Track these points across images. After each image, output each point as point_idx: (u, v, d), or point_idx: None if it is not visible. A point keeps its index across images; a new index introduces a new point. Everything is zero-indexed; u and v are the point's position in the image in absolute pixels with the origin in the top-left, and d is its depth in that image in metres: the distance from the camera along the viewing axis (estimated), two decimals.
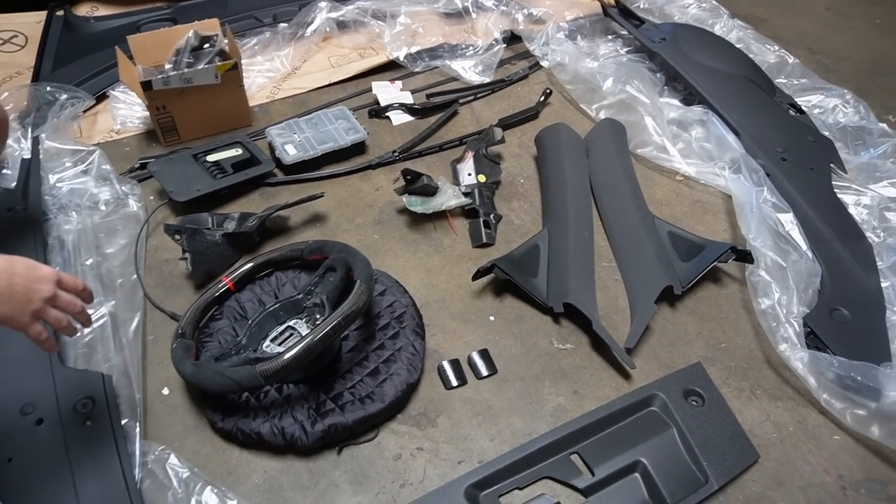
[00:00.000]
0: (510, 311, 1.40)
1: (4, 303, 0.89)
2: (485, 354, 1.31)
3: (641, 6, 2.40)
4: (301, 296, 1.28)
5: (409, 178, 1.51)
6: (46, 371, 1.19)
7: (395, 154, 1.75)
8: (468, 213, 1.60)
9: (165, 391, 1.25)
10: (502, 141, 1.72)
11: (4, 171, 1.61)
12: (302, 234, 1.56)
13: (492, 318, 1.38)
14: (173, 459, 1.12)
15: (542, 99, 1.95)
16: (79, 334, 1.22)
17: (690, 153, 1.75)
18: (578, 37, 2.20)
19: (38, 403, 1.15)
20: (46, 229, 1.49)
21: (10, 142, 1.65)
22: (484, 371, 1.28)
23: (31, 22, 2.19)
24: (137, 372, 1.24)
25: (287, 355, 1.07)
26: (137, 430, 1.15)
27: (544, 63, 2.11)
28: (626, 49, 2.18)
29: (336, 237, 1.53)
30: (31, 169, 1.57)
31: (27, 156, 1.63)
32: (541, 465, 1.13)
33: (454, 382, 1.26)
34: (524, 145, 1.82)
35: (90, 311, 1.04)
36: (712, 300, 1.43)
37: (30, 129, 1.72)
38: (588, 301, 1.36)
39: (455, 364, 1.29)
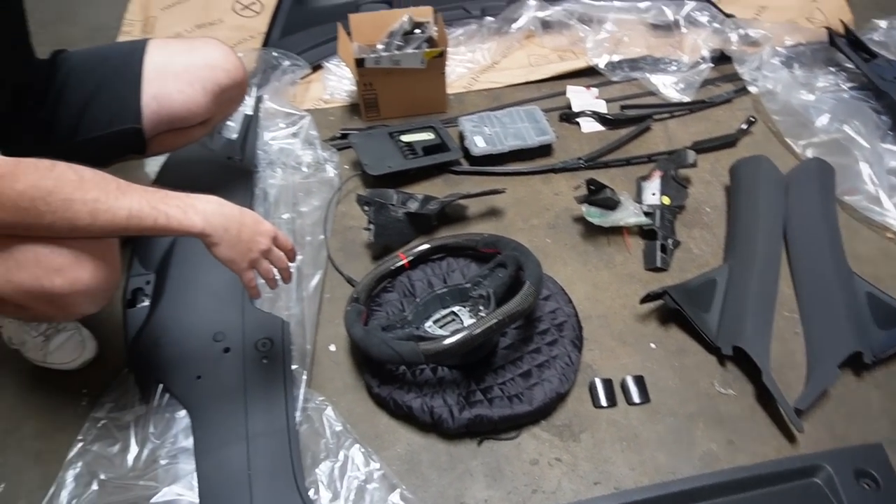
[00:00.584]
0: (673, 343, 1.35)
1: (232, 247, 1.01)
2: (640, 381, 1.27)
3: (875, 38, 2.17)
4: (469, 285, 1.32)
5: (592, 187, 1.50)
6: (238, 308, 1.33)
7: (580, 161, 1.74)
8: (645, 233, 1.55)
9: (332, 347, 1.35)
10: (694, 165, 1.65)
11: (230, 122, 1.80)
12: (477, 225, 1.60)
13: (653, 345, 1.35)
14: (330, 411, 1.21)
15: (743, 126, 1.84)
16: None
17: None
18: (795, 65, 2.04)
19: (227, 334, 1.29)
20: (255, 180, 1.65)
21: None
22: (636, 398, 1.25)
23: None
24: (312, 325, 1.36)
25: (449, 340, 1.11)
26: (304, 377, 1.26)
27: (752, 89, 1.99)
28: (849, 84, 1.99)
29: (509, 234, 1.55)
30: (251, 125, 1.75)
31: (250, 112, 1.81)
32: None
33: (604, 402, 1.24)
34: (716, 172, 1.73)
35: (291, 268, 1.15)
36: None
37: (254, 89, 1.91)
38: (761, 349, 1.28)
39: (607, 384, 1.27)
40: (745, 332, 1.29)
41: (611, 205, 1.51)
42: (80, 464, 1.15)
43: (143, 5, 2.35)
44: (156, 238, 1.44)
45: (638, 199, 1.62)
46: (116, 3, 2.38)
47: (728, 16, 2.17)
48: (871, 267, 1.49)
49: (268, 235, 1.04)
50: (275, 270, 1.08)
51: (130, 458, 1.16)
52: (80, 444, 1.17)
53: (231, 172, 1.63)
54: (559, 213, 1.62)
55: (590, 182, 1.48)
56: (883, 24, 2.17)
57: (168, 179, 1.62)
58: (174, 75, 1.29)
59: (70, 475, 1.14)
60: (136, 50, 1.30)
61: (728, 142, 1.82)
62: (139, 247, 1.46)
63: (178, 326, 1.31)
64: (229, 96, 1.38)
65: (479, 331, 1.12)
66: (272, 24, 2.23)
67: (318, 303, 1.40)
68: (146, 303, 1.37)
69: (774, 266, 1.46)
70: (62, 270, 0.94)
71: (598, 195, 1.50)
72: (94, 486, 1.12)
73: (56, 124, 1.27)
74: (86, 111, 1.27)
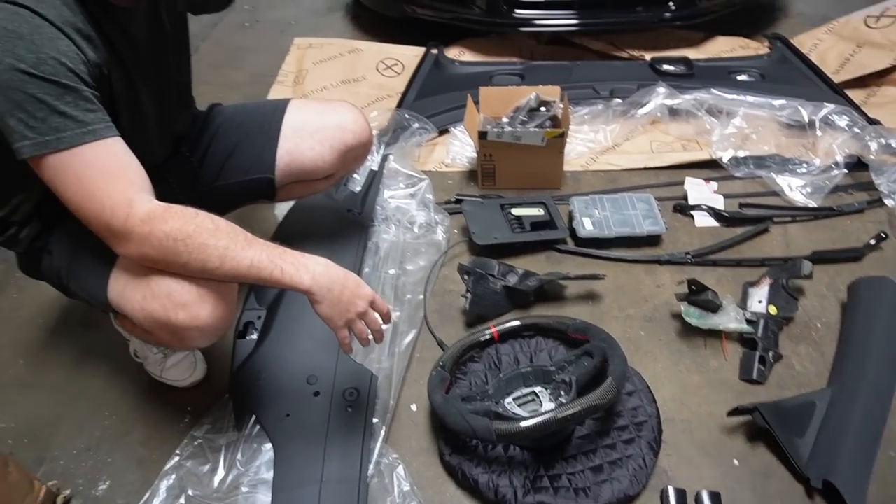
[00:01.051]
0: (758, 463, 1.29)
1: (332, 306, 1.10)
2: (716, 498, 1.22)
3: None
4: (553, 368, 1.34)
5: (693, 288, 1.48)
6: (333, 356, 1.42)
7: (688, 256, 1.72)
8: (746, 341, 1.50)
9: (413, 407, 1.41)
10: (809, 276, 1.58)
11: (356, 175, 1.94)
12: (573, 307, 1.62)
13: (736, 461, 1.29)
14: (401, 470, 1.26)
15: (872, 242, 1.74)
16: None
17: None
18: None
19: (320, 378, 1.39)
20: (369, 234, 1.77)
21: None
22: None
23: (411, 55, 2.60)
24: (398, 382, 1.43)
25: (523, 424, 1.13)
26: (383, 432, 1.32)
27: (888, 202, 1.88)
28: None
29: (604, 321, 1.56)
30: (374, 181, 1.88)
31: (375, 168, 1.95)
32: None
33: None
34: (834, 287, 1.65)
35: (385, 328, 1.22)
36: None
37: (383, 147, 2.05)
38: (856, 489, 1.19)
39: (681, 494, 1.23)
40: (840, 466, 1.21)
41: (711, 307, 1.48)
42: (173, 476, 1.27)
43: (299, 59, 2.60)
44: None
45: (743, 304, 1.58)
46: (277, 55, 2.66)
47: (873, 122, 2.08)
48: None
49: (366, 299, 1.13)
50: (368, 331, 1.16)
51: (217, 479, 1.26)
52: (176, 458, 1.30)
53: (349, 224, 1.75)
54: (658, 307, 1.61)
55: (691, 282, 1.47)
56: None
57: (293, 223, 1.77)
58: (308, 134, 1.44)
59: (163, 486, 1.26)
60: (279, 109, 1.47)
61: (852, 256, 1.72)
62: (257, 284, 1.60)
63: (277, 364, 1.42)
64: (354, 155, 1.51)
65: (554, 419, 1.13)
66: (409, 86, 2.40)
67: (407, 361, 1.47)
68: (254, 336, 1.49)
69: (885, 399, 1.36)
70: (186, 306, 1.07)
71: (698, 296, 1.47)
72: (182, 501, 1.23)
73: (202, 170, 1.45)
74: (229, 160, 1.44)
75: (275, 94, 2.46)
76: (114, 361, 1.52)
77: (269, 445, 1.30)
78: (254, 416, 1.34)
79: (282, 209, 1.82)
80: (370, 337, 1.17)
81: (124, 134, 1.04)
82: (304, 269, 1.07)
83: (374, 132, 2.08)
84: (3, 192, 1.19)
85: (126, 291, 1.12)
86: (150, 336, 1.19)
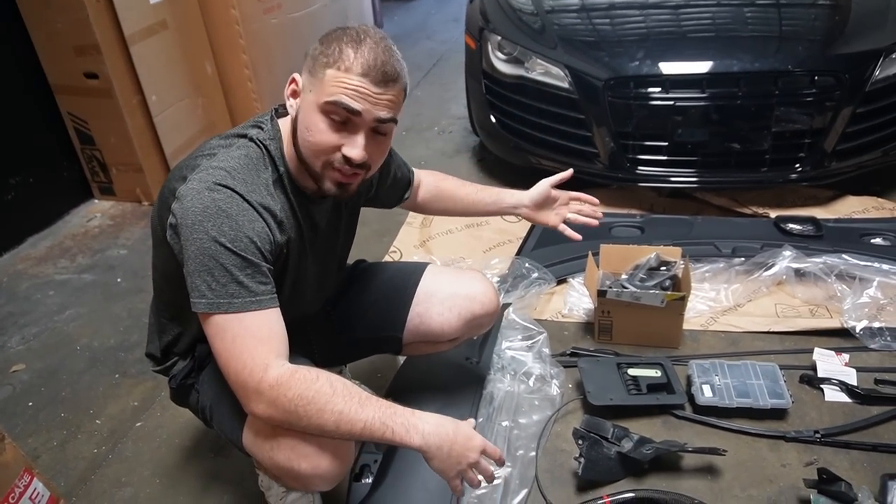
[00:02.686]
0: None
1: (443, 461, 1.16)
2: None
3: None
4: None
5: (825, 476, 1.40)
6: None
7: (817, 435, 1.64)
8: None
9: None
10: None
11: None
12: (690, 480, 1.57)
13: None
14: None
15: None
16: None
17: None
18: None
19: None
20: (485, 383, 1.82)
21: None
22: None
23: None
24: None
25: None
26: None
27: None
28: None
29: (723, 500, 1.50)
30: (492, 331, 1.96)
31: None
32: None
33: None
34: None
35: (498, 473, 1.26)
36: None
37: (502, 294, 2.14)
38: None
39: None
40: None
41: (844, 500, 1.39)
42: None
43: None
44: None
45: (882, 497, 1.46)
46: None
47: None
48: None
49: (477, 450, 1.17)
50: (480, 478, 1.20)
51: None
52: None
53: (466, 373, 1.82)
54: (783, 490, 1.53)
55: (822, 471, 1.39)
56: None
57: (412, 369, 1.86)
58: (438, 301, 1.55)
59: None
60: (416, 272, 1.59)
61: None
62: None
63: None
64: (479, 322, 1.60)
65: None
66: (530, 233, 2.51)
67: None
68: (369, 479, 1.55)
69: None
70: (308, 457, 1.16)
71: (830, 486, 1.39)
72: None
73: (338, 322, 1.58)
74: (364, 316, 1.57)
75: (404, 234, 2.65)
76: (238, 489, 1.63)
77: None
78: None
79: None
80: (483, 483, 1.21)
81: (283, 296, 1.19)
82: (415, 429, 1.14)
83: (495, 279, 2.20)
84: (171, 322, 1.37)
85: (257, 440, 1.23)
86: (277, 480, 1.29)
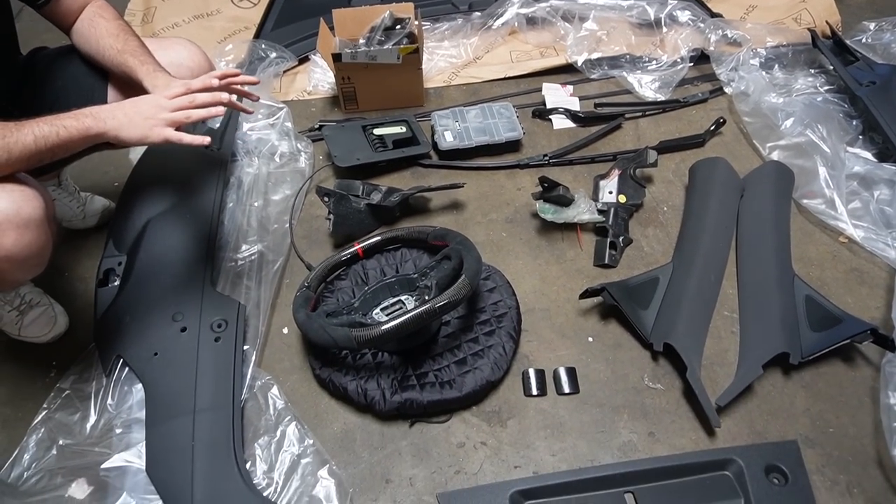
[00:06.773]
0: (610, 337, 1.40)
1: (134, 126, 1.09)
2: (571, 373, 1.33)
3: (863, 41, 2.16)
4: (416, 275, 1.39)
5: (545, 185, 1.54)
6: (198, 290, 1.41)
7: (546, 158, 1.79)
8: (599, 230, 1.60)
9: (285, 330, 1.43)
10: (654, 165, 1.68)
11: None
12: (438, 217, 1.66)
13: (590, 339, 1.40)
14: (275, 390, 1.29)
15: (711, 128, 1.86)
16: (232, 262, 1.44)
17: (864, 215, 1.59)
18: (776, 66, 2.05)
19: (186, 314, 1.38)
20: (231, 169, 1.73)
21: None
22: (566, 388, 1.31)
23: None
24: (267, 308, 1.44)
25: (381, 327, 1.18)
26: (254, 357, 1.34)
27: (728, 89, 2.00)
28: (826, 87, 1.99)
29: (468, 228, 1.62)
30: (231, 116, 1.83)
31: None
32: (592, 494, 1.14)
33: (534, 391, 1.30)
34: (679, 172, 1.76)
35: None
36: (835, 380, 1.31)
37: None
38: (692, 347, 1.32)
39: (540, 374, 1.33)
40: (678, 329, 1.33)
41: (564, 202, 1.56)
42: (42, 430, 1.25)
43: None
44: (129, 221, 1.53)
45: (595, 196, 1.66)
46: None
47: (715, 15, 2.19)
48: (818, 270, 1.52)
49: (166, 108, 1.11)
50: (205, 111, 1.15)
51: (88, 426, 1.26)
52: (44, 412, 1.28)
53: (208, 161, 1.70)
54: (518, 209, 1.68)
55: (542, 179, 1.53)
56: (872, 25, 2.15)
57: (148, 165, 1.70)
58: None
59: (33, 440, 1.24)
60: None
61: (696, 142, 1.84)
62: (114, 230, 1.55)
63: (141, 306, 1.39)
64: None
65: (407, 319, 1.18)
66: (266, 16, 2.31)
67: (275, 287, 1.49)
68: (116, 282, 1.46)
69: (718, 266, 1.49)
70: None
71: (550, 192, 1.54)
72: (54, 451, 1.22)
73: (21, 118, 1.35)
74: (55, 106, 1.35)
75: None
76: None
77: (139, 386, 1.29)
78: (121, 360, 1.33)
79: (136, 153, 1.75)
80: (223, 98, 1.16)
81: None
82: (83, 115, 1.08)
83: (231, 65, 2.02)
84: None
85: None
86: None
